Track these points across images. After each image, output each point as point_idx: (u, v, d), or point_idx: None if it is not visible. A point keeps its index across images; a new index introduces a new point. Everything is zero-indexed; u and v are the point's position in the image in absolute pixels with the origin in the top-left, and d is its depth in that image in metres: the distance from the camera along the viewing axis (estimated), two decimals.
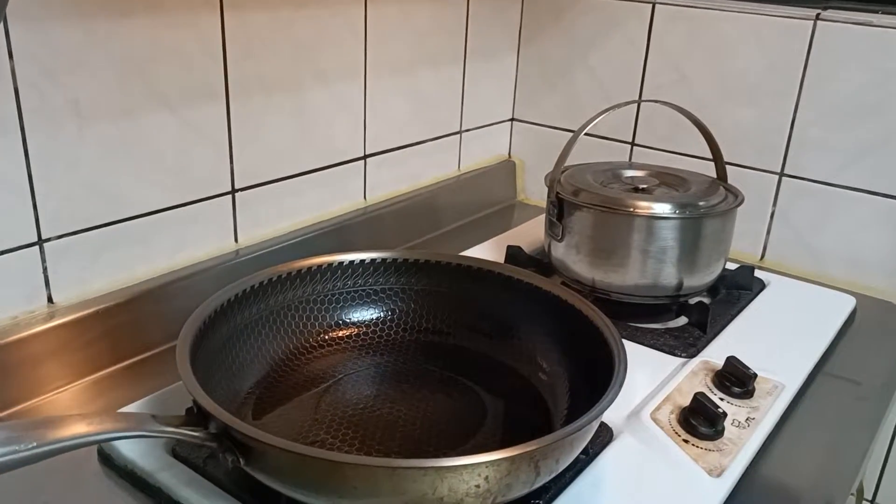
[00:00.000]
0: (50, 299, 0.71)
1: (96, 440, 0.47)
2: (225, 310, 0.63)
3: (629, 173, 0.91)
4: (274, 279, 0.68)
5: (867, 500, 1.02)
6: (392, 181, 1.06)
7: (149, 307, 0.76)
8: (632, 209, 0.80)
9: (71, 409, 0.68)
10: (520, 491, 0.50)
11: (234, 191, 0.84)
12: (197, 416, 0.52)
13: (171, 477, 0.57)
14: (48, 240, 0.69)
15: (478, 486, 0.47)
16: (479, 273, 0.73)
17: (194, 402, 0.51)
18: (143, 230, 0.76)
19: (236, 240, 0.86)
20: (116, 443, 0.59)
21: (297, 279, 0.70)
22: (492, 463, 0.46)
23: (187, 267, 0.81)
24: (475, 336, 0.73)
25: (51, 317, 0.70)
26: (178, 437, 0.50)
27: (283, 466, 0.49)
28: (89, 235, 0.72)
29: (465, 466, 0.46)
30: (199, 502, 0.55)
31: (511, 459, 0.47)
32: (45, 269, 0.70)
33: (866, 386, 0.75)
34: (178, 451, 0.59)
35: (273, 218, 0.90)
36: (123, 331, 0.75)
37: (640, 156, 1.11)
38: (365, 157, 1.00)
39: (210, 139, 0.80)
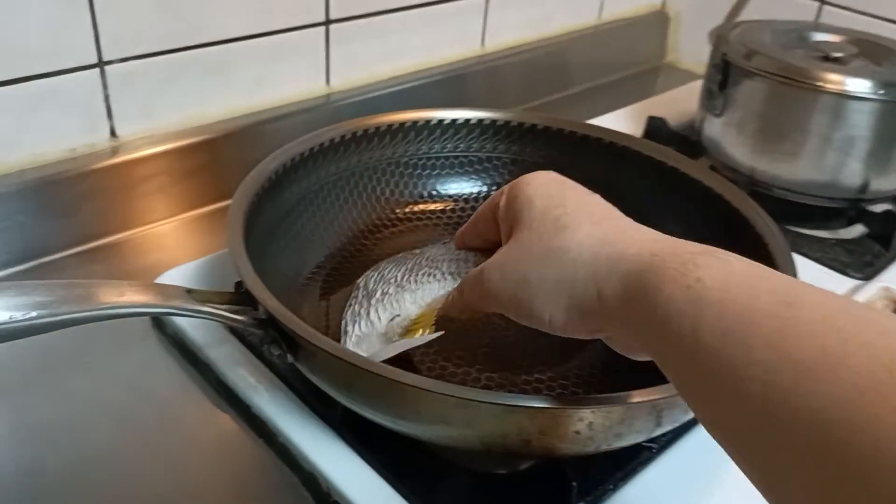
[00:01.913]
0: (113, 132, 0.62)
1: (116, 314, 0.39)
2: (296, 166, 0.53)
3: (819, 37, 0.71)
4: (359, 133, 0.57)
5: None
6: (517, 26, 0.89)
7: (224, 151, 0.67)
8: (819, 83, 0.62)
9: (132, 259, 0.61)
10: (632, 440, 0.39)
11: (328, 21, 0.71)
12: (245, 294, 0.42)
13: (222, 354, 0.49)
14: (110, 62, 0.59)
15: (577, 433, 0.36)
16: (612, 148, 0.59)
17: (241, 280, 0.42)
18: (219, 60, 0.66)
19: (328, 81, 0.75)
20: None
21: (388, 136, 0.58)
22: (599, 410, 0.35)
23: (270, 109, 0.70)
24: None
25: (113, 152, 0.62)
26: (217, 319, 0.41)
27: (334, 373, 0.39)
28: (157, 61, 0.62)
29: (562, 411, 0.35)
30: (249, 388, 0.47)
31: (627, 408, 0.36)
32: (106, 98, 0.61)
33: None
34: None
35: (372, 59, 0.77)
36: (196, 175, 0.66)
37: (831, 16, 0.88)
38: None
39: None
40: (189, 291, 0.41)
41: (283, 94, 0.72)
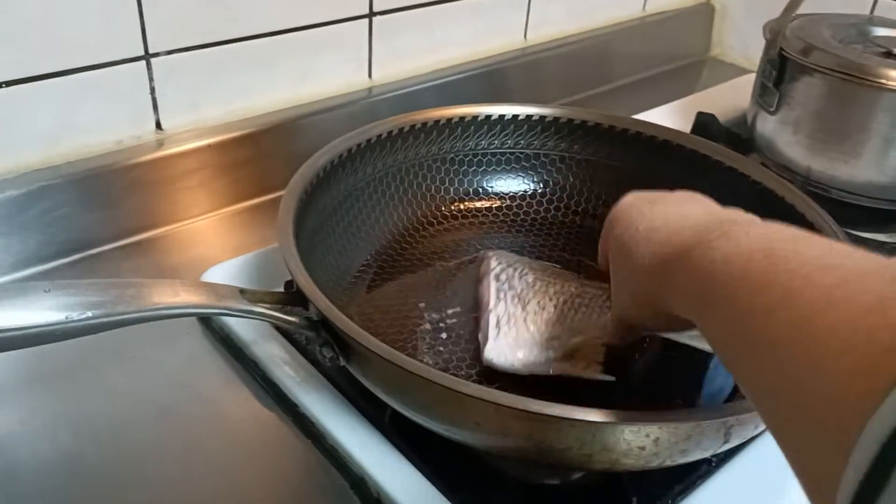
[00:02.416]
0: (158, 125, 0.62)
1: (168, 314, 0.38)
2: (343, 162, 0.52)
3: (880, 31, 0.69)
4: (406, 129, 0.55)
5: None
6: (561, 18, 0.88)
7: (270, 144, 0.67)
8: (881, 80, 0.60)
9: (178, 252, 0.61)
10: (696, 456, 0.37)
11: (371, 14, 0.70)
12: (296, 294, 0.42)
13: (268, 352, 0.49)
14: (156, 54, 0.59)
15: (642, 449, 0.35)
16: (664, 146, 0.58)
17: (293, 279, 0.41)
18: (264, 53, 0.65)
19: (370, 75, 0.74)
20: None
21: (435, 131, 0.57)
22: (666, 426, 0.34)
23: (313, 102, 0.69)
24: None
25: (159, 145, 0.61)
26: (268, 319, 0.41)
27: (387, 379, 0.39)
28: (203, 54, 0.61)
29: (626, 426, 0.34)
30: (295, 386, 0.46)
31: (695, 424, 0.34)
32: (152, 90, 0.60)
33: None
34: None
35: (415, 52, 0.76)
36: (239, 169, 0.66)
37: (886, 9, 0.85)
38: None
39: None
40: (241, 291, 0.40)
41: (326, 88, 0.71)
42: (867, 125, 0.61)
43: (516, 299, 0.47)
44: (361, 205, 0.54)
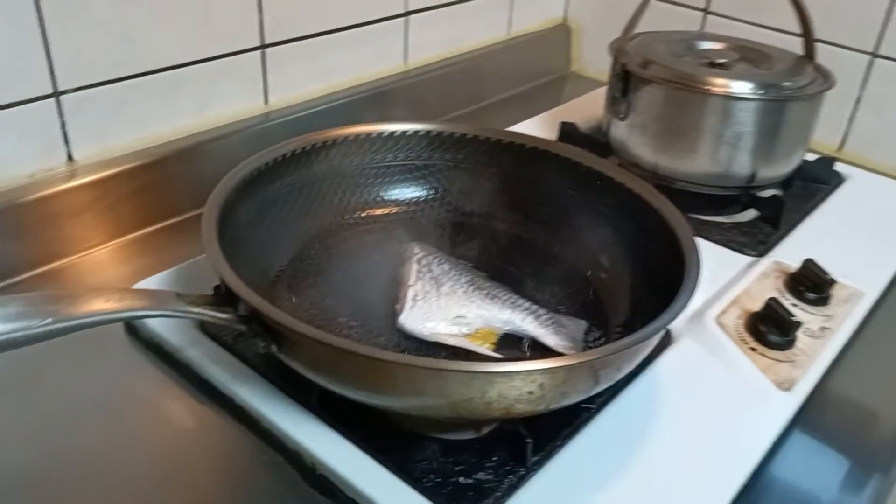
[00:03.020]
0: (70, 157, 0.65)
1: (116, 318, 0.43)
2: (255, 179, 0.57)
3: (705, 45, 0.81)
4: (308, 148, 0.62)
5: None
6: (435, 43, 0.96)
7: (175, 169, 0.71)
8: (707, 87, 0.71)
9: (94, 275, 0.64)
10: (576, 398, 0.46)
11: (263, 46, 0.76)
12: (225, 296, 0.47)
13: (199, 353, 0.54)
14: (64, 92, 0.63)
15: (531, 393, 0.42)
16: (534, 153, 0.66)
17: (222, 281, 0.46)
18: (165, 84, 0.70)
19: (266, 101, 0.79)
20: None
21: (334, 149, 0.64)
22: (547, 371, 0.42)
23: (215, 128, 0.74)
24: (527, 222, 0.66)
25: (71, 175, 0.65)
26: (205, 318, 0.46)
27: (317, 358, 0.45)
28: (109, 88, 0.65)
29: (517, 373, 0.41)
30: (228, 381, 0.52)
31: (569, 368, 0.42)
32: (63, 125, 0.64)
33: None
34: (208, 327, 0.55)
35: (306, 78, 0.82)
36: (149, 193, 0.70)
37: (714, 26, 0.99)
38: (407, 13, 0.90)
39: None
40: (178, 295, 0.45)
41: (225, 114, 0.76)
42: (699, 125, 0.72)
43: (433, 281, 0.55)
44: (274, 216, 0.59)
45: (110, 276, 0.64)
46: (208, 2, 0.70)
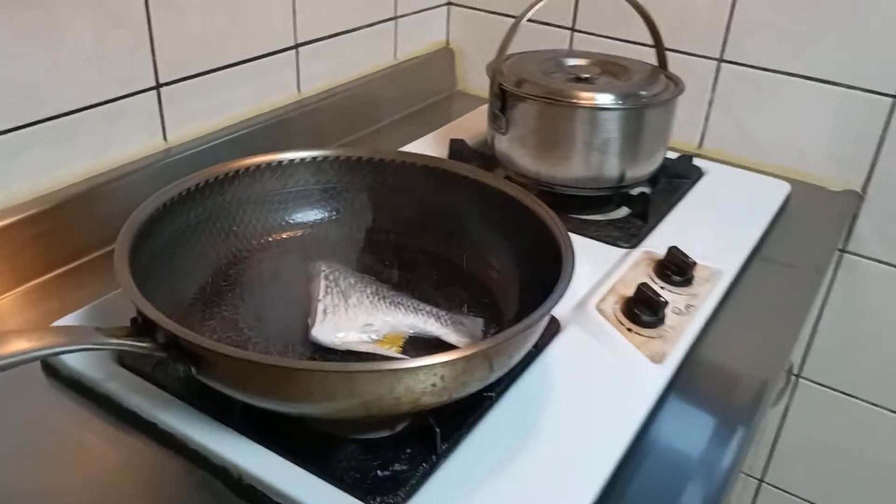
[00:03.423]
0: None
1: (39, 356, 0.45)
2: (162, 214, 0.60)
3: (571, 62, 0.89)
4: (211, 180, 0.65)
5: (794, 375, 1.09)
6: (327, 72, 1.01)
7: (77, 211, 0.73)
8: (575, 101, 0.79)
9: (4, 322, 0.65)
10: (475, 387, 0.51)
11: (158, 85, 0.79)
12: (142, 327, 0.50)
13: (119, 386, 0.56)
14: None
15: (434, 385, 0.47)
16: (426, 170, 0.72)
17: (139, 312, 0.49)
18: (63, 130, 0.71)
19: (165, 138, 0.82)
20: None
21: (236, 180, 0.67)
22: (447, 363, 0.47)
23: (115, 168, 0.76)
24: (423, 234, 0.71)
25: None
26: (126, 349, 0.49)
27: (236, 375, 0.48)
28: (7, 137, 0.67)
29: (420, 368, 0.46)
30: (150, 409, 0.54)
31: (466, 359, 0.48)
32: None
33: (799, 269, 0.79)
34: (125, 360, 0.58)
35: (203, 113, 0.85)
36: (52, 237, 0.71)
37: (581, 43, 1.08)
38: (297, 45, 0.94)
39: (128, 26, 0.74)
40: (97, 329, 0.48)
41: (124, 154, 0.78)
42: (571, 135, 0.79)
43: (341, 294, 0.60)
44: (183, 247, 0.62)
45: (19, 321, 0.65)
46: (102, 46, 0.72)
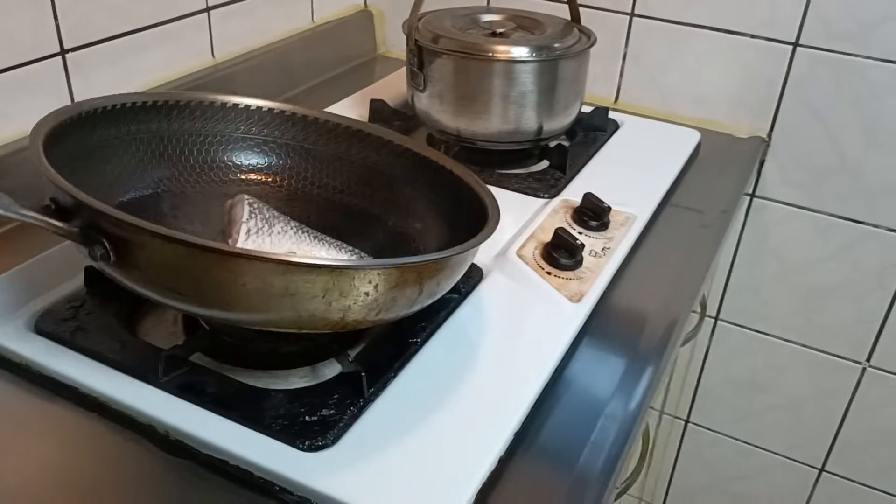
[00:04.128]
0: None
1: None
2: (97, 117, 0.60)
3: (487, 18, 0.90)
4: (160, 102, 0.65)
5: (710, 317, 1.14)
6: (241, 35, 0.99)
7: None
8: (490, 54, 0.80)
9: None
10: (402, 309, 0.51)
11: (63, 51, 0.76)
12: (55, 212, 0.48)
13: (37, 352, 0.55)
14: None
15: (366, 294, 0.47)
16: (346, 131, 0.71)
17: (53, 197, 0.47)
18: None
19: None
20: None
21: (187, 109, 0.67)
22: (383, 270, 0.47)
23: (20, 139, 0.74)
24: (347, 191, 0.71)
25: None
26: (39, 223, 0.46)
27: (161, 261, 0.46)
28: None
29: (359, 268, 0.47)
30: (71, 374, 0.54)
31: (400, 269, 0.48)
32: None
33: (708, 213, 0.82)
34: (42, 326, 0.57)
35: (114, 81, 0.83)
36: None
37: (498, 1, 1.09)
38: (208, 8, 0.92)
39: None
40: (13, 200, 0.46)
41: (29, 126, 0.75)
42: (487, 89, 0.80)
43: (264, 221, 0.59)
44: (112, 157, 0.61)
45: None
46: (3, 10, 0.69)
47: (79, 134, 0.57)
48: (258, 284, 0.45)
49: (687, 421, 1.25)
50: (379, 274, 0.47)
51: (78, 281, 0.61)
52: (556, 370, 0.58)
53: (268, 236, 0.58)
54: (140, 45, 0.85)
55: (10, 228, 0.71)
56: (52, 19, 0.74)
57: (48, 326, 0.56)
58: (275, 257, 0.45)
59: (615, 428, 0.55)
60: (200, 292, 0.47)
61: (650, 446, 0.82)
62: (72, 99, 0.79)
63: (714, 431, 1.24)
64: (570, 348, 0.60)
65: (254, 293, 0.46)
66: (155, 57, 0.87)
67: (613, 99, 1.07)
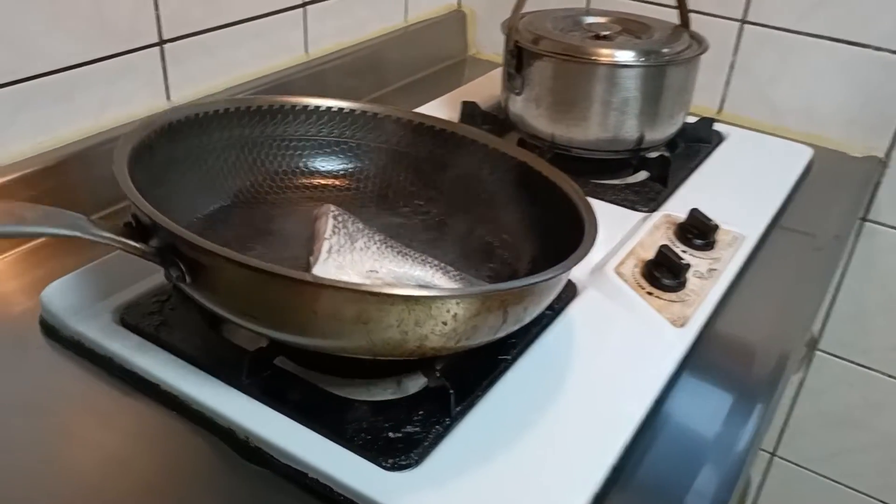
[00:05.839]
0: None
1: (22, 233, 0.43)
2: (178, 128, 0.59)
3: (589, 20, 0.86)
4: (243, 109, 0.64)
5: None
6: (335, 33, 0.98)
7: (77, 172, 0.70)
8: (594, 58, 0.76)
9: (1, 281, 0.63)
10: (484, 337, 0.48)
11: (161, 42, 0.76)
12: (135, 230, 0.47)
13: (121, 346, 0.54)
14: None
15: (444, 324, 0.44)
16: (440, 133, 0.68)
17: (134, 215, 0.47)
18: (63, 86, 0.69)
19: (168, 97, 0.79)
20: (61, 314, 0.56)
21: (269, 115, 0.66)
22: (463, 299, 0.44)
23: (117, 127, 0.74)
24: (435, 197, 0.68)
25: None
26: (115, 244, 0.46)
27: (235, 285, 0.45)
28: (5, 92, 0.64)
29: (435, 299, 0.44)
30: (154, 370, 0.52)
31: (482, 297, 0.45)
32: None
33: (820, 237, 0.76)
34: (127, 320, 0.56)
35: (208, 73, 0.83)
36: (51, 197, 0.68)
37: (598, 2, 1.05)
38: (304, 4, 0.91)
39: None
40: (91, 221, 0.46)
41: (126, 113, 0.75)
42: (588, 94, 0.76)
43: (348, 236, 0.57)
44: (195, 168, 0.60)
45: (14, 285, 0.63)
46: (102, 0, 0.69)
47: (167, 144, 0.57)
48: (329, 312, 0.43)
49: (773, 454, 1.18)
50: (458, 303, 0.44)
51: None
52: (659, 397, 0.54)
53: (349, 253, 0.56)
54: (236, 37, 0.84)
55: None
56: (153, 9, 0.74)
57: (133, 320, 0.56)
58: (343, 286, 0.43)
59: (721, 472, 0.50)
60: (273, 317, 0.45)
61: (745, 486, 0.77)
62: (167, 89, 0.79)
63: (801, 467, 1.16)
64: (672, 375, 0.56)
65: (325, 320, 0.44)
66: (249, 50, 0.87)
67: (717, 109, 1.01)
